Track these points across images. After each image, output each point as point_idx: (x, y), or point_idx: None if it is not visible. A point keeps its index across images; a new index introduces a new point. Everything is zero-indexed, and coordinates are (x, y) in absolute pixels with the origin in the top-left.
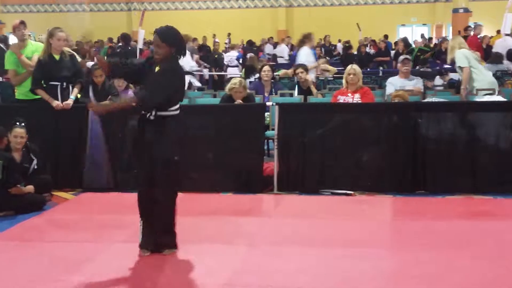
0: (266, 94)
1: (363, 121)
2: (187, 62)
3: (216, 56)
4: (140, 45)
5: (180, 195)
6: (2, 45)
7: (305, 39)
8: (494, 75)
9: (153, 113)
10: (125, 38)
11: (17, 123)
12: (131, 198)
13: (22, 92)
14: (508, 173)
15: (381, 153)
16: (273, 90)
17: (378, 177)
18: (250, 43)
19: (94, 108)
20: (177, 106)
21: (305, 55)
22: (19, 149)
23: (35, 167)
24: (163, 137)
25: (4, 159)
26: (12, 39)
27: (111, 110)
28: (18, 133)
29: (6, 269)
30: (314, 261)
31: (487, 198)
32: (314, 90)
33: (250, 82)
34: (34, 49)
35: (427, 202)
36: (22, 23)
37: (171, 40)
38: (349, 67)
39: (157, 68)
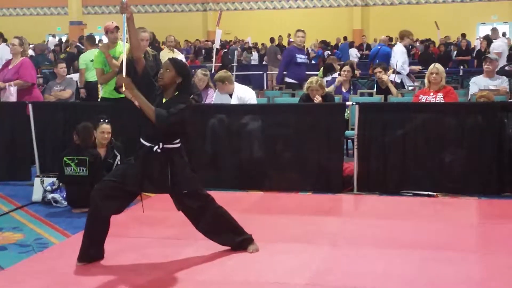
0: (344, 90)
1: (446, 121)
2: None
3: None
4: (217, 45)
5: (259, 194)
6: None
7: None
8: None
9: (160, 145)
10: None
11: (102, 120)
12: (216, 195)
13: (107, 90)
14: None
15: (465, 154)
16: (351, 88)
17: (462, 178)
18: (324, 42)
19: (126, 84)
20: (179, 139)
21: None
22: (104, 144)
23: (119, 162)
24: (179, 170)
25: (90, 156)
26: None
27: (138, 101)
28: (105, 129)
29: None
30: (398, 264)
31: None
32: (393, 89)
33: (327, 81)
34: (122, 50)
35: None
36: (117, 27)
37: (181, 70)
38: (431, 66)
39: (165, 99)
